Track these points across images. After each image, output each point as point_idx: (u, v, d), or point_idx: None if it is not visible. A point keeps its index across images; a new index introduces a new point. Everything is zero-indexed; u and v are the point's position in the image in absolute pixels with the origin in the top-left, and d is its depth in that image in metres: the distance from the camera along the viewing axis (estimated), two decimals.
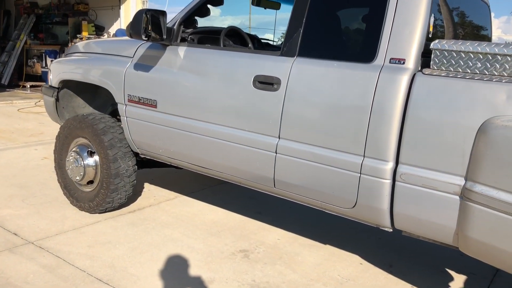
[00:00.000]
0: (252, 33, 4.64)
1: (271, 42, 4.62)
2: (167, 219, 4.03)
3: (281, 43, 3.09)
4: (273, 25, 5.11)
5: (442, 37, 2.94)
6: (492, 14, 4.06)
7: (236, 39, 3.91)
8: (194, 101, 3.33)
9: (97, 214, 4.00)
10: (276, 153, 2.98)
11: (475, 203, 2.26)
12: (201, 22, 3.98)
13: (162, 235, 3.71)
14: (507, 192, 2.14)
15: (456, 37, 3.18)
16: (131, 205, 4.28)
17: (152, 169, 4.44)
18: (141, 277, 3.06)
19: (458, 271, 3.50)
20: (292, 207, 4.42)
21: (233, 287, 3.03)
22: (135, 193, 4.47)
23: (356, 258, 3.58)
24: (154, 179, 5.07)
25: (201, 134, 3.32)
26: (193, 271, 3.21)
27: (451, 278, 3.40)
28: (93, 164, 3.90)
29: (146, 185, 4.89)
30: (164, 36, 3.31)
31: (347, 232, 4.03)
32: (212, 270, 3.22)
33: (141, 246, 3.50)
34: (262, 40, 4.41)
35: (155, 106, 3.53)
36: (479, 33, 3.86)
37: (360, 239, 3.92)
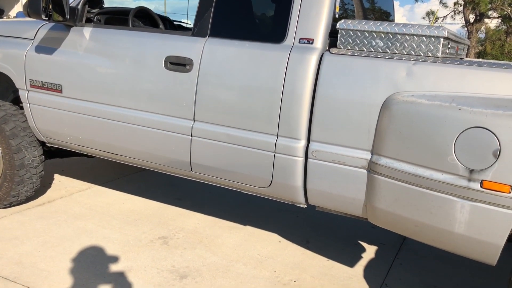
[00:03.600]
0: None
1: (184, 25, 4.52)
2: (80, 211, 3.83)
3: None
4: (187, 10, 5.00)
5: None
6: (397, 3, 4.29)
7: (146, 20, 3.78)
8: (103, 85, 3.17)
9: (1, 210, 3.71)
10: (191, 136, 2.94)
11: (381, 175, 2.39)
12: (110, 4, 3.81)
13: (75, 227, 3.53)
14: (409, 163, 2.28)
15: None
16: (40, 198, 4.02)
17: (62, 158, 4.20)
18: (52, 272, 2.90)
19: (370, 243, 3.71)
20: (211, 191, 4.41)
21: (151, 274, 2.96)
22: (44, 185, 4.21)
23: (275, 237, 3.65)
24: (65, 169, 4.80)
25: (112, 119, 3.18)
26: (109, 261, 3.09)
27: (363, 250, 3.59)
28: None
29: (57, 176, 4.62)
30: (67, 16, 3.10)
31: (266, 213, 4.10)
32: (130, 259, 3.12)
33: (52, 240, 3.30)
34: (175, 23, 4.30)
35: (61, 91, 3.32)
36: (386, 18, 4.07)
37: (278, 218, 4.01)
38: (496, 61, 2.70)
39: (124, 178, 4.73)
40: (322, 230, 3.86)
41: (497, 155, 2.03)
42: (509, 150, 2.01)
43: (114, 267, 3.02)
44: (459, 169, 2.13)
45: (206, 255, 3.27)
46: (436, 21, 19.32)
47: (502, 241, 2.10)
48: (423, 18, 20.74)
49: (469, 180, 2.11)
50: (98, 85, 3.19)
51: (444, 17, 19.91)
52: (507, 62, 2.76)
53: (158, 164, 3.20)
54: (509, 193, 2.03)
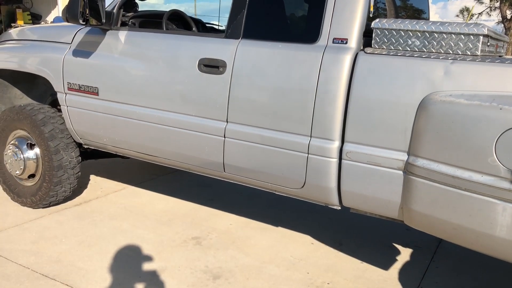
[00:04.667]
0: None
1: (216, 27, 4.56)
2: (116, 211, 3.91)
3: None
4: (219, 12, 5.04)
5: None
6: (430, 0, 4.21)
7: (180, 23, 3.82)
8: (138, 87, 3.23)
9: (41, 209, 3.83)
10: (224, 137, 2.96)
11: (418, 177, 2.34)
12: (144, 8, 3.87)
13: (111, 227, 3.60)
14: (446, 165, 2.22)
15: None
16: (77, 198, 4.13)
17: (98, 160, 4.29)
18: (89, 271, 2.97)
19: (405, 245, 3.64)
20: (243, 192, 4.42)
21: (185, 275, 2.99)
22: (81, 186, 4.31)
23: (307, 238, 3.63)
24: (100, 170, 4.91)
25: (147, 121, 3.24)
26: (144, 261, 3.14)
27: (398, 252, 3.52)
28: (34, 157, 3.72)
29: (92, 177, 4.73)
30: (103, 20, 3.18)
31: (298, 213, 4.08)
32: (164, 259, 3.17)
33: (88, 239, 3.38)
34: (207, 25, 4.33)
35: (97, 94, 3.39)
36: (420, 16, 3.99)
37: (310, 219, 3.98)
38: None
39: (157, 179, 4.80)
40: (355, 232, 3.81)
41: None
42: None
43: (148, 267, 3.07)
44: (500, 170, 2.06)
45: (239, 256, 3.28)
46: (471, 18, 18.81)
47: None
48: (457, 15, 20.24)
49: (511, 182, 2.04)
50: (133, 88, 3.25)
51: (479, 13, 19.37)
52: None
53: (191, 165, 3.23)
54: None
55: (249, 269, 3.12)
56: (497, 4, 18.15)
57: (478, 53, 2.31)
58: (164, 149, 3.27)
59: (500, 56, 3.11)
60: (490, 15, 19.38)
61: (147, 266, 3.08)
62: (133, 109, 3.27)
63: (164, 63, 3.12)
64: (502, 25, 18.30)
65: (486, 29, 2.30)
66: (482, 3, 19.03)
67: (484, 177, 2.11)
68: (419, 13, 4.02)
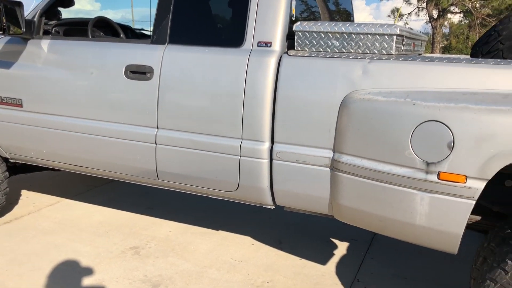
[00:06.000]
0: (137, 26, 4.49)
1: (147, 33, 4.50)
2: (49, 226, 3.77)
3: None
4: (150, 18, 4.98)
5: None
6: (363, 2, 4.38)
7: (107, 30, 3.75)
8: (64, 97, 3.13)
9: None
10: (156, 144, 2.93)
11: (343, 173, 2.43)
12: (77, 15, 3.74)
13: (44, 242, 3.47)
14: (368, 159, 2.33)
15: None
16: (7, 215, 3.94)
17: (30, 174, 4.11)
18: None
19: (342, 239, 3.76)
20: (183, 198, 4.39)
21: (123, 285, 2.93)
22: (11, 202, 4.12)
23: (248, 240, 3.67)
24: (32, 185, 4.71)
25: (75, 131, 3.14)
26: (80, 275, 3.05)
27: (335, 247, 3.64)
28: None
29: (24, 192, 4.53)
30: (23, 29, 3.06)
31: (238, 216, 4.11)
32: (101, 271, 3.09)
33: (19, 257, 3.24)
34: (137, 31, 4.28)
35: (21, 106, 3.26)
36: (348, 18, 4.15)
37: (251, 221, 4.03)
38: (447, 56, 2.78)
39: (93, 190, 4.67)
40: (294, 230, 3.89)
41: (451, 147, 2.09)
42: (462, 141, 2.08)
43: (85, 281, 2.98)
44: (416, 162, 2.18)
45: (179, 262, 3.26)
46: (401, 18, 19.71)
47: (461, 230, 2.17)
48: (389, 16, 21.15)
49: (427, 172, 2.17)
50: (59, 98, 3.15)
51: (408, 14, 20.32)
52: (458, 56, 2.85)
53: (124, 174, 3.17)
54: (465, 183, 2.10)
55: (189, 274, 3.11)
56: (424, 5, 19.13)
57: (393, 52, 2.43)
58: (95, 159, 3.19)
59: (419, 54, 3.29)
60: (418, 15, 20.40)
61: (83, 280, 2.99)
62: (60, 120, 3.17)
63: (90, 71, 3.05)
64: (430, 24, 19.32)
65: (398, 29, 2.42)
66: (410, 4, 19.99)
67: (403, 170, 2.23)
68: (348, 16, 4.18)
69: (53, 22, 3.38)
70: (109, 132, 3.05)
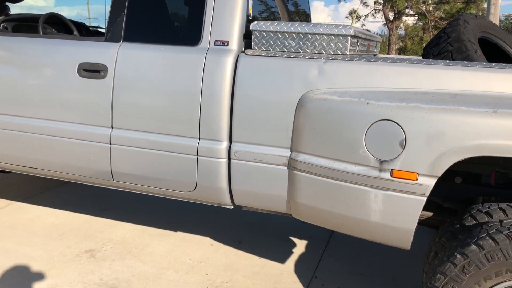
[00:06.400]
0: (93, 24, 4.36)
1: (103, 30, 4.39)
2: None
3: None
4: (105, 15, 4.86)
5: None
6: (322, 3, 4.44)
7: (60, 27, 3.63)
8: (14, 96, 3.01)
9: None
10: (110, 144, 2.86)
11: (300, 171, 2.45)
12: (31, 11, 3.60)
13: None
14: (325, 158, 2.36)
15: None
16: None
17: None
18: None
19: (300, 238, 3.80)
20: (140, 199, 4.31)
21: None
22: None
23: (207, 240, 3.64)
24: None
25: (26, 131, 3.03)
26: (32, 281, 2.94)
27: (294, 245, 3.67)
28: None
29: None
30: None
31: (197, 216, 4.08)
32: (54, 276, 2.99)
33: None
34: (92, 28, 4.17)
35: None
36: (306, 19, 4.19)
37: (210, 221, 4.00)
38: (400, 57, 2.86)
39: (47, 193, 4.52)
40: (254, 229, 3.90)
41: (403, 145, 2.15)
42: (413, 140, 2.14)
43: (36, 286, 2.88)
44: (370, 160, 2.23)
45: (136, 265, 3.20)
46: (358, 19, 20.15)
47: (413, 226, 2.23)
48: (347, 17, 21.57)
49: (380, 170, 2.22)
50: (8, 97, 3.02)
51: (365, 15, 20.80)
52: (410, 57, 2.94)
53: (78, 175, 3.08)
54: (416, 180, 2.16)
55: (146, 277, 3.05)
56: (381, 7, 19.63)
57: (348, 52, 2.48)
58: (48, 160, 3.08)
59: (374, 55, 3.36)
60: (375, 17, 20.92)
61: (35, 286, 2.89)
62: (8, 120, 3.04)
63: (41, 69, 2.95)
64: (386, 26, 19.84)
65: (353, 30, 2.47)
66: (367, 5, 20.46)
67: (357, 168, 2.27)
68: (306, 17, 4.22)
69: (1, 18, 3.23)
70: (62, 132, 2.95)
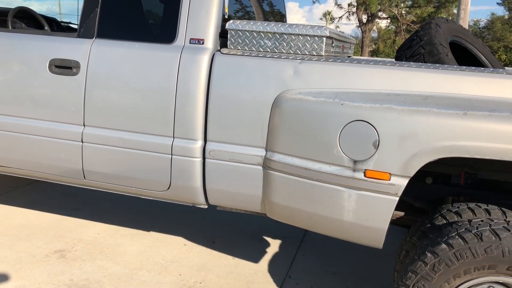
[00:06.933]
0: (65, 19, 4.27)
1: (75, 26, 4.30)
2: None
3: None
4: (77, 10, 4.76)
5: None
6: (297, 4, 4.47)
7: (30, 21, 3.53)
8: None
9: None
10: (82, 142, 2.81)
11: (275, 171, 2.45)
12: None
13: None
14: (299, 158, 2.37)
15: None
16: None
17: None
18: None
19: (274, 237, 3.81)
20: (112, 199, 4.25)
21: None
22: None
23: (180, 240, 3.61)
24: None
25: None
26: None
27: (268, 245, 3.67)
28: None
29: None
30: None
31: (171, 216, 4.04)
32: (22, 277, 2.91)
33: None
34: (63, 24, 4.07)
35: None
36: (281, 19, 4.20)
37: (184, 221, 3.97)
38: (374, 58, 2.90)
39: (15, 192, 4.40)
40: (228, 229, 3.89)
41: (376, 145, 2.18)
42: (386, 140, 2.17)
43: None
44: (344, 160, 2.25)
45: (107, 265, 3.15)
46: (332, 21, 20.37)
47: (385, 225, 2.26)
48: (321, 19, 21.81)
49: (354, 170, 2.24)
50: None
51: (339, 17, 21.05)
52: (383, 59, 2.98)
53: (48, 174, 3.00)
54: (389, 180, 2.19)
55: (118, 277, 3.00)
56: (354, 9, 19.90)
57: (323, 53, 2.49)
58: (17, 158, 3.00)
59: (348, 56, 3.40)
60: (349, 19, 21.19)
61: (1, 287, 2.81)
62: None
63: (11, 65, 2.86)
64: (360, 28, 20.13)
65: (328, 31, 2.49)
66: (342, 8, 20.71)
67: (332, 167, 2.29)
68: (281, 17, 4.23)
69: None
70: (32, 129, 2.87)
